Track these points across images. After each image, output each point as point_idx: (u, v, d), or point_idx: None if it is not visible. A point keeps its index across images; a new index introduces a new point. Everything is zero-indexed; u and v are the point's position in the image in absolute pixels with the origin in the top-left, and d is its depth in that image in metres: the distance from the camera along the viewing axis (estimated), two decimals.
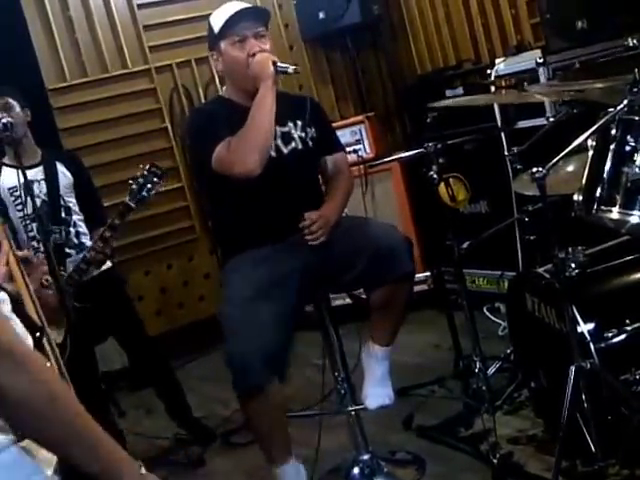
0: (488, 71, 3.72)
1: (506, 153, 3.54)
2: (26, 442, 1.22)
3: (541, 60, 3.47)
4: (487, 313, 4.00)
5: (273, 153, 2.76)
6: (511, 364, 3.24)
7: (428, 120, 4.17)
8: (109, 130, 4.77)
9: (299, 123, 2.87)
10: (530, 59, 3.60)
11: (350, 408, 2.92)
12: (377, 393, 2.87)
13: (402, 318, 2.89)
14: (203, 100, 4.99)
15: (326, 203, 2.85)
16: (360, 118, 4.62)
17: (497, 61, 3.75)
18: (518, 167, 3.16)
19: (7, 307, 1.35)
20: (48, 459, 1.24)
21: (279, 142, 2.81)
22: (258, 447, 2.72)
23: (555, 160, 2.38)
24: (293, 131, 2.86)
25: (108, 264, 3.49)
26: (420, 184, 4.18)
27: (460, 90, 4.08)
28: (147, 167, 3.10)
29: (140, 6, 4.87)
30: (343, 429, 3.01)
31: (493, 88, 3.30)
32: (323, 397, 3.23)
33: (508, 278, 4.00)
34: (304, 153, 2.86)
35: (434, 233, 3.81)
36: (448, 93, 4.15)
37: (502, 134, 3.66)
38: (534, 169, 2.34)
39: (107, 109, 4.77)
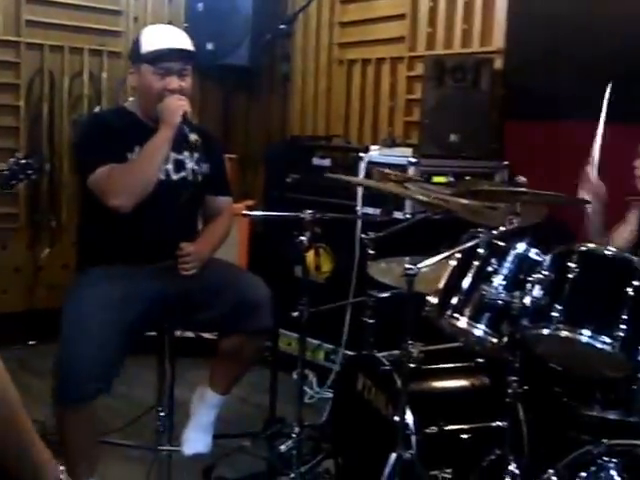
0: (361, 154, 3.88)
1: (362, 235, 3.71)
2: None
3: (415, 160, 3.69)
4: (295, 377, 4.07)
5: (162, 176, 2.75)
6: (320, 434, 3.33)
7: (288, 180, 4.29)
8: None
9: (195, 155, 2.87)
10: (403, 155, 3.80)
11: (165, 448, 2.87)
12: (198, 439, 2.86)
13: (246, 370, 2.91)
14: (67, 90, 4.80)
15: (201, 238, 2.86)
16: None
17: (372, 148, 3.92)
18: (370, 252, 3.30)
19: None
20: None
21: (170, 167, 2.81)
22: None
23: (429, 263, 2.55)
24: (188, 161, 2.86)
25: None
26: (265, 240, 4.26)
27: (328, 162, 4.22)
28: (22, 158, 2.98)
29: None
30: (141, 464, 2.96)
31: (372, 174, 3.44)
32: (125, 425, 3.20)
33: (325, 350, 4.14)
34: (192, 185, 2.86)
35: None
36: (315, 161, 4.28)
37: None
38: (407, 265, 2.49)
39: None
